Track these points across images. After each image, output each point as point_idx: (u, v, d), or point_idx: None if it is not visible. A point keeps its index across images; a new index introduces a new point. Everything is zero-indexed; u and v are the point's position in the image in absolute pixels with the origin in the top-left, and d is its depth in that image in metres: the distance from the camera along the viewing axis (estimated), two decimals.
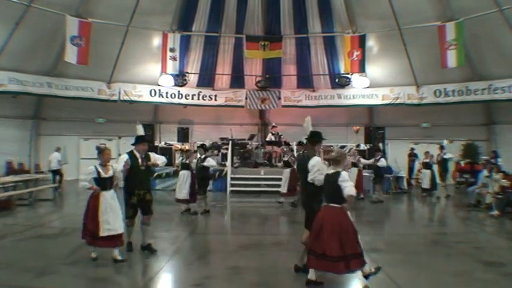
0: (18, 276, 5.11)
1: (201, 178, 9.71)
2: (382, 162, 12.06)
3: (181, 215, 9.53)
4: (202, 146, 10.20)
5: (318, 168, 5.09)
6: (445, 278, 5.30)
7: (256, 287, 5.06)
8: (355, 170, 12.03)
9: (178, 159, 11.27)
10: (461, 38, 13.70)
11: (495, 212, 9.61)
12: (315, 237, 4.70)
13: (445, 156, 12.88)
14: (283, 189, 11.36)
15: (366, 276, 4.80)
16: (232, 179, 13.65)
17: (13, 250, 6.33)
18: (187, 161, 9.82)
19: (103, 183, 5.75)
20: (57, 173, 13.79)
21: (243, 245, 6.93)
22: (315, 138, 5.50)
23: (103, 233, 5.52)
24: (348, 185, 4.61)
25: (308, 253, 4.81)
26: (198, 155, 9.92)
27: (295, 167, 10.80)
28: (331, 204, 4.72)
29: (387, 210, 11.26)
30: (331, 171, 4.82)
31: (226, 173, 13.78)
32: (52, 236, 7.31)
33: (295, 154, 11.47)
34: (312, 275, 4.78)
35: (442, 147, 13.20)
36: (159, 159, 6.66)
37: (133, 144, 6.34)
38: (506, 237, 7.89)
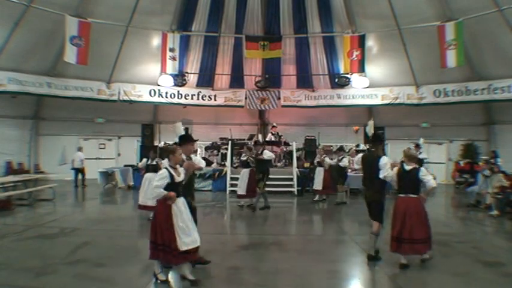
0: (17, 276, 5.11)
1: None
2: (344, 162, 11.43)
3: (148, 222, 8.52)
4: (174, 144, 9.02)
5: (389, 166, 5.80)
6: (444, 277, 5.30)
7: (256, 287, 5.06)
8: (320, 170, 11.62)
9: (143, 160, 9.67)
10: (460, 38, 13.72)
11: (494, 212, 9.62)
12: (401, 225, 5.46)
13: (420, 156, 11.63)
14: (241, 190, 10.50)
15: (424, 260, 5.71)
16: (231, 179, 13.64)
17: (13, 250, 6.31)
18: (155, 162, 8.84)
19: (176, 188, 4.82)
20: (80, 171, 14.68)
21: (243, 245, 6.93)
22: (380, 139, 6.42)
23: (182, 247, 4.69)
24: (429, 178, 5.55)
25: (395, 241, 5.50)
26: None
27: (253, 166, 10.36)
28: (410, 195, 5.54)
29: (387, 210, 11.23)
30: (408, 167, 5.59)
31: (225, 173, 13.78)
32: (52, 236, 7.30)
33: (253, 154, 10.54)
34: (403, 259, 5.54)
35: (417, 146, 12.43)
36: (200, 162, 6.06)
37: (178, 145, 5.44)
38: (505, 237, 7.91)
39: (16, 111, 15.65)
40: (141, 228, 8.00)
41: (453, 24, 13.83)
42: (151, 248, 4.80)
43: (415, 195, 5.54)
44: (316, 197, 11.89)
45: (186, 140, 5.53)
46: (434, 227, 8.09)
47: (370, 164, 5.96)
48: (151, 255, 4.84)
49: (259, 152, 10.36)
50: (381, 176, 5.75)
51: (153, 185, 4.79)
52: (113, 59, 15.52)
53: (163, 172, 4.79)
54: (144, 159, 9.39)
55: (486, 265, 5.78)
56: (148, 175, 8.83)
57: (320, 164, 11.74)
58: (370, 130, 6.57)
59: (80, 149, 15.28)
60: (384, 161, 5.82)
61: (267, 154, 10.40)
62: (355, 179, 13.14)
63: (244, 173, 10.57)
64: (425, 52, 14.91)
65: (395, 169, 5.71)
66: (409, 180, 5.54)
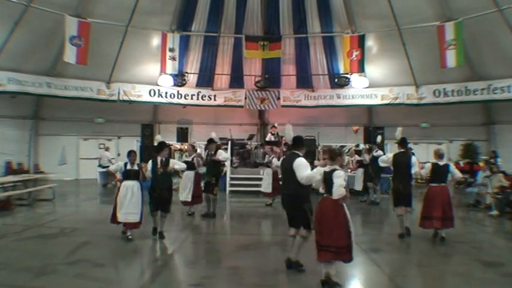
0: (17, 276, 5.10)
1: (167, 188, 7.23)
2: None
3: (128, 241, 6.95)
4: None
5: (417, 164, 7.30)
6: (444, 277, 5.31)
7: (256, 287, 5.06)
8: (268, 171, 10.88)
9: (117, 164, 7.59)
10: (460, 38, 13.72)
11: (494, 212, 9.61)
12: (436, 207, 6.90)
13: (375, 154, 10.98)
14: (186, 197, 9.10)
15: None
16: (231, 179, 13.64)
17: (12, 250, 6.31)
18: (137, 167, 7.12)
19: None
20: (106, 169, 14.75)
21: (242, 245, 6.93)
22: (407, 142, 7.66)
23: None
24: (457, 171, 7.38)
25: (427, 219, 7.01)
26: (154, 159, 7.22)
27: (199, 170, 9.23)
28: (442, 184, 7.11)
29: (386, 210, 11.24)
30: (441, 163, 7.18)
31: (225, 173, 13.76)
32: (51, 236, 7.30)
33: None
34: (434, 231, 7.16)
35: (375, 144, 11.72)
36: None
37: (294, 148, 5.60)
38: (505, 237, 7.92)
39: (16, 111, 15.63)
40: (140, 228, 7.98)
41: (453, 24, 13.83)
42: (326, 251, 4.68)
43: (445, 184, 7.17)
44: (270, 201, 10.99)
45: (302, 143, 5.69)
46: None
47: (403, 162, 7.25)
48: (324, 256, 4.72)
49: (213, 152, 9.10)
50: (413, 171, 7.20)
51: (339, 184, 4.62)
52: (112, 59, 15.49)
53: (343, 173, 4.75)
54: (120, 163, 7.26)
55: (486, 265, 5.77)
56: (129, 184, 6.98)
57: (268, 165, 11.07)
58: (399, 135, 7.78)
59: (107, 149, 15.78)
60: (414, 159, 7.29)
61: (222, 155, 9.20)
62: (351, 179, 12.97)
63: (188, 176, 9.12)
64: (425, 52, 14.90)
65: (429, 165, 7.27)
66: (441, 173, 7.10)
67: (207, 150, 9.36)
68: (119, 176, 7.21)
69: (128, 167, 7.06)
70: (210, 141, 9.27)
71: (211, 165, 9.08)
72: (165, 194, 7.14)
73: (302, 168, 5.16)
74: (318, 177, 4.93)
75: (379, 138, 12.00)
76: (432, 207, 6.95)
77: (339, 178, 4.67)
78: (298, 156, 5.35)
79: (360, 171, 11.89)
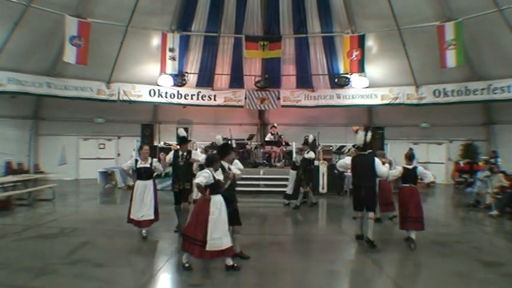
0: (17, 276, 5.10)
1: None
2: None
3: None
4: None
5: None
6: (444, 277, 5.31)
7: (256, 287, 5.06)
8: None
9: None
10: (460, 38, 13.72)
11: (494, 212, 9.62)
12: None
13: (306, 156, 10.31)
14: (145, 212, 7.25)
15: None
16: None
17: (12, 250, 6.31)
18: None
19: None
20: None
21: (243, 245, 6.91)
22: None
23: None
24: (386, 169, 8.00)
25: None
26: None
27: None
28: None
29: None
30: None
31: None
32: (51, 236, 7.30)
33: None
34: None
35: (307, 143, 10.80)
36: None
37: (364, 149, 7.02)
38: (505, 237, 7.91)
39: (16, 111, 15.63)
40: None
41: (453, 24, 13.83)
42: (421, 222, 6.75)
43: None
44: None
45: (371, 145, 7.08)
46: (434, 227, 8.17)
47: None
48: (413, 226, 6.70)
49: (185, 153, 7.60)
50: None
51: (431, 174, 7.18)
52: (112, 59, 15.49)
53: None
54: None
55: (486, 265, 5.78)
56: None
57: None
58: (364, 138, 8.14)
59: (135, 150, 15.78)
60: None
61: (202, 156, 7.54)
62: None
63: (146, 187, 7.21)
64: (425, 52, 14.90)
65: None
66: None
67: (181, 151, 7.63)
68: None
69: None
70: (183, 140, 7.60)
71: (185, 168, 7.48)
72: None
73: (381, 165, 6.81)
74: (397, 173, 6.98)
75: (310, 138, 11.19)
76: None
77: (426, 169, 7.15)
78: (372, 156, 6.97)
79: (293, 173, 10.72)
